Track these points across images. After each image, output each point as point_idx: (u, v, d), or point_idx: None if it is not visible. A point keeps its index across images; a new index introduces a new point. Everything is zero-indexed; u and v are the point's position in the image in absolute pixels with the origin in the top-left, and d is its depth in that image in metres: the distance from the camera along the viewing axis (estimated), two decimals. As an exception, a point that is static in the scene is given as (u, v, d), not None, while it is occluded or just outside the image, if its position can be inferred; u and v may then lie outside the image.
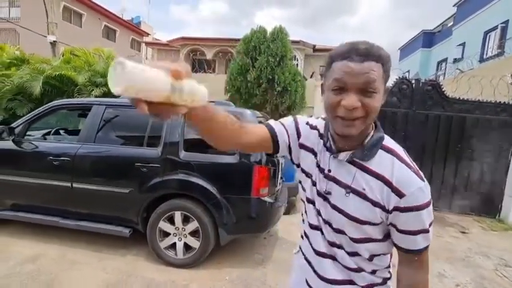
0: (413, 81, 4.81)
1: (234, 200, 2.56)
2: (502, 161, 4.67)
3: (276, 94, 5.55)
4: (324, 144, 0.85)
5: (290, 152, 0.92)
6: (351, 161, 0.79)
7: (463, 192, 4.80)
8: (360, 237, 0.81)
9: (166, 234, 2.67)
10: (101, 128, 2.87)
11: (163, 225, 2.64)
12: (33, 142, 3.00)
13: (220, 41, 13.51)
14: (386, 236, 0.82)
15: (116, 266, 2.60)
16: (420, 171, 0.77)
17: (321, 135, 0.87)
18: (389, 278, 0.89)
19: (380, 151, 0.77)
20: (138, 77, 0.43)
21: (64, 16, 15.40)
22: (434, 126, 4.75)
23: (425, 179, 0.76)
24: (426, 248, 0.78)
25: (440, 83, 4.82)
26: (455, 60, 12.43)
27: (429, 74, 14.53)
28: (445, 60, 14.39)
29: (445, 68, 12.87)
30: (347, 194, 0.78)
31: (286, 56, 5.66)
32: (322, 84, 0.81)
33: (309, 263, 0.92)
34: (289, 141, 0.90)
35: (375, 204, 0.76)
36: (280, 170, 3.03)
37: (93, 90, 5.88)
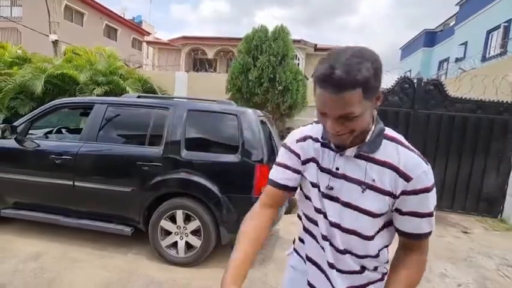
0: (415, 81, 4.79)
1: (236, 199, 2.56)
2: (504, 161, 4.64)
3: (277, 93, 5.54)
4: (326, 145, 0.86)
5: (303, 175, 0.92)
6: (357, 155, 0.80)
7: (465, 192, 4.78)
8: (373, 234, 0.82)
9: (167, 233, 2.67)
10: (103, 126, 2.88)
11: (165, 223, 2.64)
12: (35, 141, 3.00)
13: (221, 40, 13.49)
14: (386, 225, 0.84)
15: (118, 264, 2.60)
16: (422, 155, 0.79)
17: (315, 139, 0.88)
18: (386, 273, 0.91)
19: (384, 141, 0.79)
20: None
21: (65, 15, 15.43)
22: (436, 125, 4.73)
23: (428, 163, 0.78)
24: (429, 233, 0.80)
25: (443, 83, 4.80)
26: (457, 60, 12.39)
27: (431, 74, 14.47)
28: (447, 59, 14.31)
29: (447, 68, 12.82)
30: (362, 190, 0.79)
31: (288, 55, 5.65)
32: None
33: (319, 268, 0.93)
34: (296, 171, 0.91)
35: (385, 193, 0.78)
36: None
37: (94, 89, 5.88)
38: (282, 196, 0.93)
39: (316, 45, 12.71)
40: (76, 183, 2.75)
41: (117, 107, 2.96)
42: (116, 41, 19.01)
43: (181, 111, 2.75)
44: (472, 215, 4.77)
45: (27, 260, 2.55)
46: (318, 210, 0.88)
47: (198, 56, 13.38)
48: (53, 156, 2.79)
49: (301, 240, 1.00)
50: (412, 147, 0.80)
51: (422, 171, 0.75)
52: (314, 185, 0.88)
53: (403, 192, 0.76)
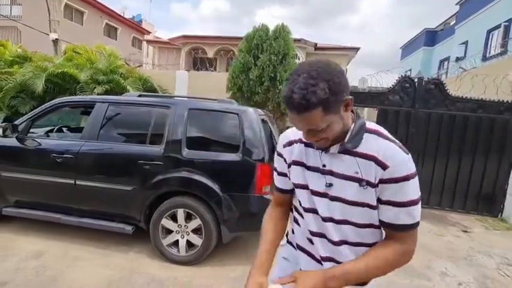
0: (416, 80, 4.79)
1: (237, 197, 2.57)
2: (504, 160, 4.65)
3: (278, 92, 5.55)
4: (309, 145, 0.90)
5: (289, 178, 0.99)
6: (341, 151, 0.84)
7: (465, 191, 4.78)
8: (365, 222, 0.85)
9: (169, 232, 2.68)
10: (104, 125, 2.88)
11: (166, 222, 2.64)
12: (36, 139, 3.01)
13: (222, 39, 13.47)
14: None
15: (119, 262, 2.61)
16: (403, 146, 0.82)
17: (299, 141, 0.93)
18: None
19: (366, 134, 0.83)
20: None
21: (65, 14, 15.41)
22: (436, 125, 4.73)
23: (408, 153, 0.81)
24: (411, 226, 0.81)
25: (443, 82, 4.80)
26: (458, 59, 12.38)
27: (431, 73, 14.46)
28: (448, 59, 14.31)
29: (448, 67, 12.81)
30: (348, 183, 0.83)
31: (289, 54, 5.66)
32: None
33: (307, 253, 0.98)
34: (287, 175, 0.99)
35: (369, 184, 0.80)
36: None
37: (95, 87, 5.89)
38: (290, 197, 1.02)
39: (316, 44, 12.70)
40: (77, 182, 2.75)
41: (118, 105, 2.96)
42: (116, 39, 19.00)
43: (182, 110, 2.75)
44: (472, 214, 4.77)
45: (28, 258, 2.56)
46: (307, 210, 0.91)
47: (199, 55, 13.36)
48: (54, 154, 2.79)
49: (293, 232, 1.04)
50: (393, 138, 0.83)
51: (401, 161, 0.78)
52: (301, 186, 0.92)
53: (381, 181, 0.79)
